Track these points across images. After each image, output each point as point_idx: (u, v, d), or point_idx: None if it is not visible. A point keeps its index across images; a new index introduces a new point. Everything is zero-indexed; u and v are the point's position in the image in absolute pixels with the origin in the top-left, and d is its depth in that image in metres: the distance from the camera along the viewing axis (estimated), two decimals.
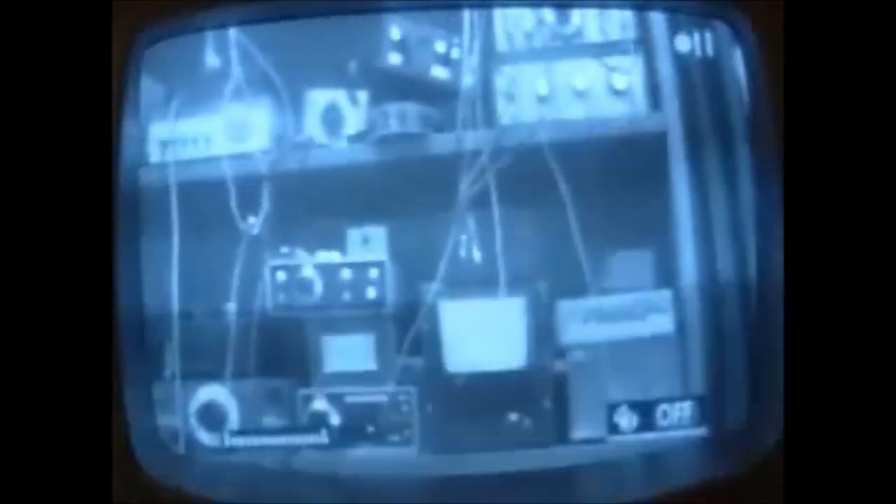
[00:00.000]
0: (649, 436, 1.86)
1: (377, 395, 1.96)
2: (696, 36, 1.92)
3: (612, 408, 1.88)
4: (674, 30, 1.93)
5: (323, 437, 1.94)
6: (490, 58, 2.01)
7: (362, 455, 1.94)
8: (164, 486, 1.55)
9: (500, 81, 2.01)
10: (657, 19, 1.95)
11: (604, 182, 1.96)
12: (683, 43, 1.93)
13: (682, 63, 1.94)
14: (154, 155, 2.01)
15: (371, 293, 1.98)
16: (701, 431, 1.86)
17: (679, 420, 1.86)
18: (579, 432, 1.92)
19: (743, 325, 1.84)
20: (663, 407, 1.86)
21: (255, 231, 2.01)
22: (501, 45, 2.01)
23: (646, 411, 1.87)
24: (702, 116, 1.93)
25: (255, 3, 1.65)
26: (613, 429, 1.88)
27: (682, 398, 1.87)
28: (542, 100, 1.99)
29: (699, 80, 1.94)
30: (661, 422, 1.86)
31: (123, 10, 1.52)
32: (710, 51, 1.91)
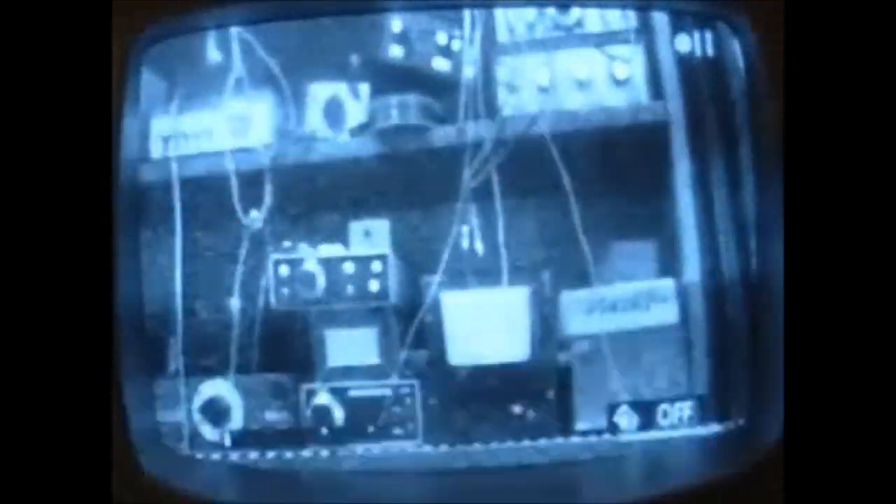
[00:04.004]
0: (650, 435, 1.87)
1: (380, 389, 1.97)
2: (697, 31, 1.91)
3: (613, 408, 1.89)
4: (675, 22, 1.93)
5: (326, 432, 1.95)
6: (491, 49, 2.00)
7: (366, 449, 1.95)
8: (164, 486, 1.55)
9: (502, 72, 2.00)
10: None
11: (606, 172, 1.96)
12: (684, 38, 1.92)
13: (683, 52, 1.94)
14: (156, 150, 2.02)
15: (374, 286, 1.98)
16: (701, 431, 1.86)
17: (679, 420, 1.87)
18: (583, 424, 1.93)
19: (743, 321, 1.85)
20: (664, 406, 1.87)
21: (258, 225, 2.01)
22: (502, 35, 2.00)
23: (646, 411, 1.88)
24: (704, 105, 1.93)
25: (254, 3, 1.65)
26: (614, 428, 1.89)
27: (683, 397, 1.88)
28: (543, 90, 1.98)
29: (701, 69, 1.93)
30: (661, 421, 1.87)
31: (123, 10, 1.52)
32: (711, 45, 1.91)
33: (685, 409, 1.87)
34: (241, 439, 1.96)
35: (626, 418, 1.88)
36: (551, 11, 1.98)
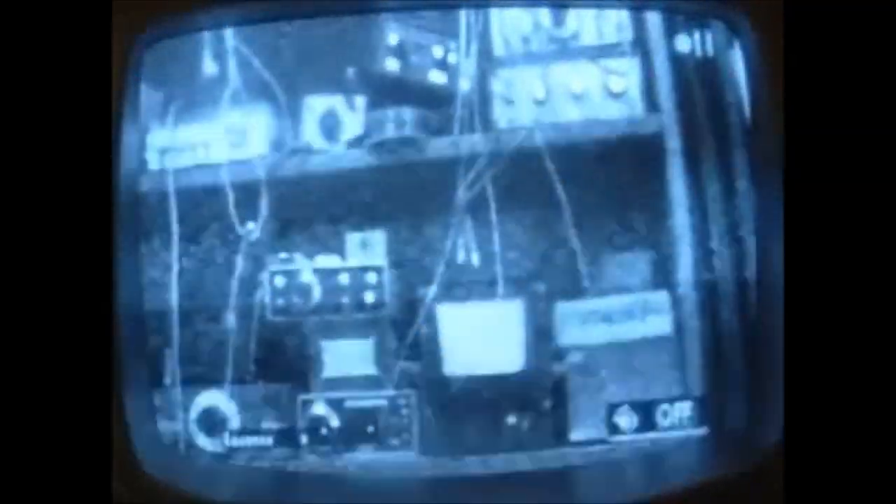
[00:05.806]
0: (649, 436, 1.88)
1: (376, 400, 1.97)
2: (695, 36, 1.92)
3: (613, 408, 1.89)
4: (671, 30, 1.94)
5: (323, 442, 1.94)
6: (487, 61, 2.02)
7: (362, 459, 1.95)
8: (164, 486, 1.54)
9: (497, 85, 2.01)
10: (654, 20, 1.95)
11: (601, 184, 1.97)
12: (681, 43, 1.94)
13: (679, 64, 1.95)
14: (153, 162, 2.02)
15: (369, 297, 1.99)
16: (701, 431, 1.87)
17: (679, 420, 1.87)
18: (578, 434, 1.93)
19: (742, 324, 1.86)
20: (663, 407, 1.87)
21: (254, 236, 2.01)
22: (498, 48, 2.02)
23: (646, 411, 1.88)
24: (699, 117, 1.94)
25: (254, 2, 1.65)
26: (613, 429, 1.89)
27: (682, 398, 1.88)
28: (539, 103, 1.99)
29: (697, 80, 1.94)
30: (661, 422, 1.87)
31: (123, 10, 1.52)
32: (708, 51, 1.92)
33: (684, 409, 1.87)
34: (237, 450, 1.96)
35: (625, 418, 1.88)
36: (547, 24, 1.99)
